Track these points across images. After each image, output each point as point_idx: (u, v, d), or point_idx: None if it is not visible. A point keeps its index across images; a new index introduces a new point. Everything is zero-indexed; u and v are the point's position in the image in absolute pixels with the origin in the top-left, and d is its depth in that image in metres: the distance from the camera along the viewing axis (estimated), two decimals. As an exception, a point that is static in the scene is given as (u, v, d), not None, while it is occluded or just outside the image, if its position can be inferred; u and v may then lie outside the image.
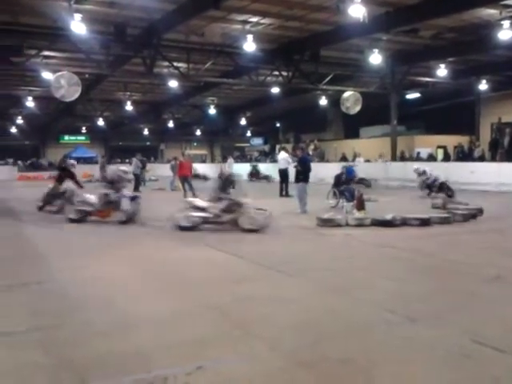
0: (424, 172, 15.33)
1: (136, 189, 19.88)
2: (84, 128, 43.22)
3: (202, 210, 9.19)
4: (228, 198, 9.26)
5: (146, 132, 45.45)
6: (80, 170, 32.30)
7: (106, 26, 15.45)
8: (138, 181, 20.46)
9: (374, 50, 18.42)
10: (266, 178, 25.68)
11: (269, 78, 22.14)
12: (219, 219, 9.10)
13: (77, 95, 17.79)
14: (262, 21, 15.65)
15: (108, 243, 8.16)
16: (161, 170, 31.00)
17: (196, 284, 5.42)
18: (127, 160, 35.85)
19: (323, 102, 28.61)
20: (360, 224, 9.26)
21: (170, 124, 40.00)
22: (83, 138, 45.53)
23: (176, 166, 17.72)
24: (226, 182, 9.68)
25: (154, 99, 32.67)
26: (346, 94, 22.31)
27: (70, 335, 3.91)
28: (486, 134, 25.62)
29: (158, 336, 3.87)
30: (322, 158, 27.87)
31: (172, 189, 19.60)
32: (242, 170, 22.51)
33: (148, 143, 47.72)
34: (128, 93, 29.10)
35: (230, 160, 21.12)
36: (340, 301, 4.75)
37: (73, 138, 45.32)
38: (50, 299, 4.90)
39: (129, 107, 31.17)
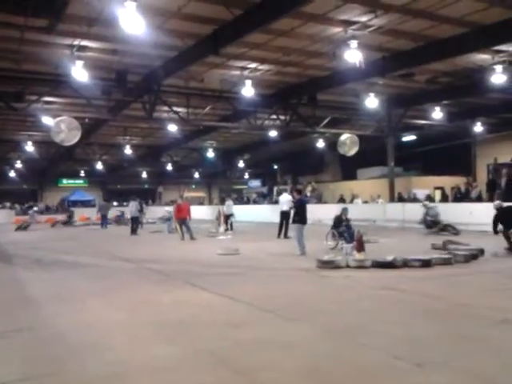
0: (431, 207, 15.92)
1: (134, 231, 19.81)
2: (82, 171, 43.43)
3: None
4: None
5: (144, 175, 45.69)
6: (77, 213, 32.64)
7: (108, 72, 15.78)
8: (137, 223, 20.40)
9: (370, 93, 18.84)
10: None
11: (267, 122, 22.46)
12: None
13: (76, 140, 17.96)
14: (260, 67, 16.02)
15: (101, 287, 8.03)
16: (159, 213, 30.95)
17: (193, 329, 5.28)
18: (125, 203, 35.99)
19: (320, 144, 28.98)
20: (360, 266, 9.15)
21: (169, 167, 40.31)
22: (81, 181, 45.70)
23: (174, 208, 17.69)
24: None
25: (153, 143, 33.01)
26: (343, 137, 22.59)
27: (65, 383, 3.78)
28: (482, 175, 25.84)
29: (157, 384, 3.74)
30: (320, 200, 27.93)
31: (169, 231, 19.51)
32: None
33: (146, 186, 47.89)
34: (127, 137, 29.40)
35: (229, 202, 21.12)
36: (344, 346, 4.62)
37: (71, 181, 45.49)
38: (44, 346, 4.77)
39: (128, 151, 31.41)
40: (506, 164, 23.39)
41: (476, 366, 3.92)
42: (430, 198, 23.97)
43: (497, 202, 12.25)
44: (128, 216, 22.31)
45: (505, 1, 10.92)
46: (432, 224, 15.75)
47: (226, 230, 19.54)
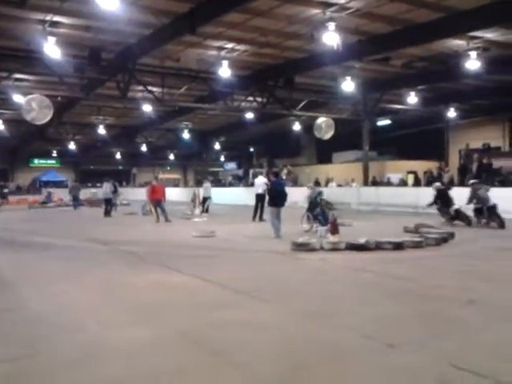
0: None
1: (108, 213, 19.59)
2: (55, 151, 42.56)
3: None
4: None
5: (118, 156, 45.05)
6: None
7: (81, 49, 15.37)
8: (110, 205, 20.16)
9: (346, 77, 18.87)
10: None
11: (243, 104, 22.32)
12: None
13: (48, 118, 17.54)
14: (237, 47, 15.84)
15: (75, 269, 7.94)
16: (132, 195, 30.68)
17: (167, 310, 5.27)
18: (98, 184, 35.51)
19: (297, 127, 29.00)
20: (334, 248, 9.25)
21: (143, 148, 39.79)
22: (54, 161, 44.83)
23: (148, 190, 17.51)
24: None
25: (127, 123, 32.48)
26: (320, 120, 22.64)
27: (38, 366, 3.73)
28: (454, 160, 26.31)
29: (131, 366, 3.72)
30: (296, 183, 28.05)
31: (143, 213, 19.35)
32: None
33: (120, 167, 47.28)
34: (101, 117, 28.87)
35: (207, 184, 21.05)
36: (317, 327, 4.68)
37: (43, 161, 44.55)
38: (17, 328, 4.69)
39: (101, 131, 30.90)
40: (478, 149, 23.89)
41: (446, 346, 4.02)
42: (403, 182, 24.42)
43: (436, 184, 14.84)
44: (101, 197, 22.02)
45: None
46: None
47: (203, 212, 19.47)
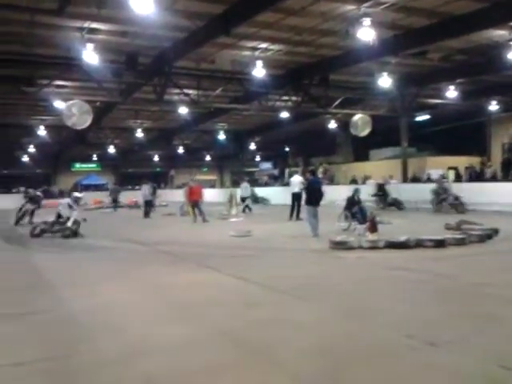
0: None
1: (147, 214, 19.94)
2: (95, 155, 43.69)
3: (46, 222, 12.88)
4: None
5: (156, 158, 45.83)
6: (90, 197, 33.01)
7: (118, 54, 15.73)
8: (150, 207, 20.50)
9: (383, 73, 18.55)
10: (263, 201, 26.68)
11: (278, 103, 22.30)
12: (52, 229, 12.82)
13: (88, 123, 18.03)
14: (272, 47, 15.83)
15: (115, 270, 8.10)
16: (171, 196, 31.10)
17: (207, 309, 5.31)
18: (137, 187, 36.20)
19: (332, 125, 28.72)
20: (373, 246, 9.10)
21: (180, 150, 40.36)
22: (94, 165, 46.01)
23: (186, 191, 17.74)
24: None
25: (164, 126, 32.99)
26: (356, 117, 22.36)
27: (78, 365, 3.81)
28: (497, 154, 25.50)
29: (171, 364, 3.76)
30: (332, 181, 27.81)
31: (181, 214, 19.60)
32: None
33: (158, 169, 48.09)
34: (138, 120, 29.43)
35: (245, 184, 21.27)
36: (357, 325, 4.62)
37: (84, 165, 45.84)
38: (60, 328, 4.81)
39: (139, 134, 31.52)
40: (522, 143, 23.08)
41: (491, 345, 3.89)
42: (443, 178, 23.81)
43: (375, 181, 18.57)
44: (141, 199, 22.41)
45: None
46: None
47: (244, 211, 19.75)
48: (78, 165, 45.73)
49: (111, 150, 37.26)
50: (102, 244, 11.41)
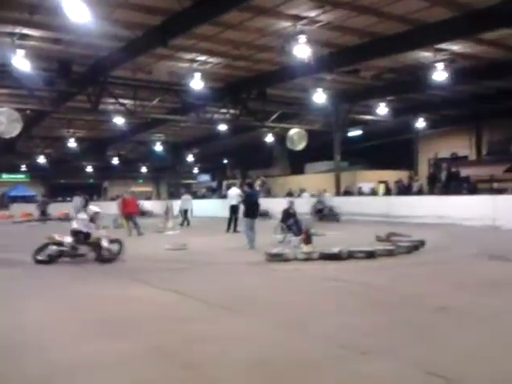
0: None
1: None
2: (24, 166, 41.70)
3: (59, 243, 9.72)
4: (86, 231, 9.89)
5: (89, 169, 44.41)
6: (18, 210, 31.50)
7: (51, 62, 15.18)
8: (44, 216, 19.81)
9: (318, 89, 19.13)
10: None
11: (216, 116, 22.36)
12: (76, 252, 9.80)
13: (17, 132, 17.23)
14: (210, 59, 15.90)
15: (44, 284, 7.75)
16: (104, 208, 30.19)
17: (140, 324, 5.19)
18: (68, 198, 34.85)
19: (269, 138, 29.15)
20: (308, 258, 9.30)
21: (115, 161, 39.33)
22: (23, 176, 43.89)
23: (120, 203, 17.27)
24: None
25: (98, 136, 32.09)
26: (292, 132, 22.84)
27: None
28: (423, 169, 26.87)
29: (102, 381, 3.65)
30: (269, 194, 28.14)
31: (115, 226, 19.05)
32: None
33: (91, 181, 46.63)
34: (71, 129, 28.46)
35: (187, 196, 21.15)
36: (291, 337, 4.68)
37: (12, 175, 43.60)
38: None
39: (72, 144, 30.43)
40: (446, 159, 24.49)
41: (418, 353, 4.07)
42: (374, 192, 24.77)
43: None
44: (72, 212, 21.62)
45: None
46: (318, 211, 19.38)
47: (183, 225, 19.61)
48: (4, 175, 43.41)
49: (41, 160, 35.71)
50: (28, 259, 10.84)
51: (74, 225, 10.26)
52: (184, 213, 20.32)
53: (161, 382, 3.62)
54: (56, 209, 29.08)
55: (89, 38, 13.06)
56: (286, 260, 9.22)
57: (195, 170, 47.50)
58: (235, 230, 15.52)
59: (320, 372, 3.77)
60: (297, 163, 34.47)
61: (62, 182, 44.92)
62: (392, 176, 26.81)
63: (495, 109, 22.71)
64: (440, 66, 15.71)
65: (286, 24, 12.76)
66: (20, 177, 43.92)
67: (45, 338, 4.77)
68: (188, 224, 19.96)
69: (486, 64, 16.28)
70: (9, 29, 12.69)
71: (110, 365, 3.97)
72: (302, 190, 25.87)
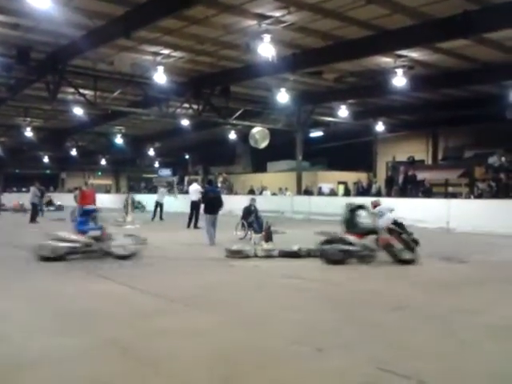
0: None
1: (33, 219, 18.73)
2: (-23, 154, 40.10)
3: (69, 240, 9.22)
4: (97, 228, 9.60)
5: (46, 159, 43.12)
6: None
7: (8, 48, 14.67)
8: (36, 210, 19.30)
9: (281, 89, 19.26)
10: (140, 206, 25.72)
11: (179, 110, 22.15)
12: (89, 248, 9.26)
13: (-30, 118, 16.58)
14: (173, 53, 15.73)
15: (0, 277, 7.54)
16: (61, 200, 29.50)
17: (97, 319, 5.14)
18: (24, 189, 33.77)
19: (232, 136, 29.17)
20: (268, 255, 9.42)
21: (73, 152, 38.37)
22: (-25, 164, 42.12)
23: (78, 195, 16.91)
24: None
25: (56, 126, 31.19)
26: (255, 130, 22.75)
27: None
28: (382, 172, 27.53)
29: (57, 376, 3.60)
30: (231, 191, 28.17)
31: (72, 220, 18.65)
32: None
33: (48, 171, 45.25)
34: (28, 118, 27.54)
35: (162, 189, 21.19)
36: (248, 334, 4.74)
37: (-37, 164, 41.75)
38: None
39: (28, 133, 29.50)
40: (403, 162, 25.17)
41: (373, 350, 4.21)
42: (333, 192, 25.13)
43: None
44: (28, 203, 21.03)
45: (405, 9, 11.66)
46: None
47: (153, 218, 19.83)
48: (-45, 163, 41.54)
49: (-4, 148, 34.49)
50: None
51: None
52: (160, 206, 20.32)
53: (116, 378, 3.59)
54: (11, 199, 28.22)
55: (49, 24, 12.68)
56: (246, 257, 9.30)
57: (156, 164, 46.89)
58: (196, 226, 15.48)
59: (278, 368, 3.84)
60: (259, 161, 34.66)
61: (17, 171, 43.43)
62: (351, 177, 27.39)
63: (451, 116, 23.55)
64: (399, 71, 16.10)
65: (251, 22, 12.78)
66: (-28, 165, 42.15)
67: (4, 330, 4.67)
68: (161, 218, 19.94)
69: (443, 72, 16.86)
70: (-36, 11, 12.18)
71: (64, 360, 3.92)
72: (264, 188, 26.07)
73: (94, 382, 3.51)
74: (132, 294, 6.44)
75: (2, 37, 13.94)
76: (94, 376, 3.61)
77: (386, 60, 15.73)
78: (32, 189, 19.71)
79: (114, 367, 3.80)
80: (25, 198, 27.51)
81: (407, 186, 20.94)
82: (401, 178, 21.68)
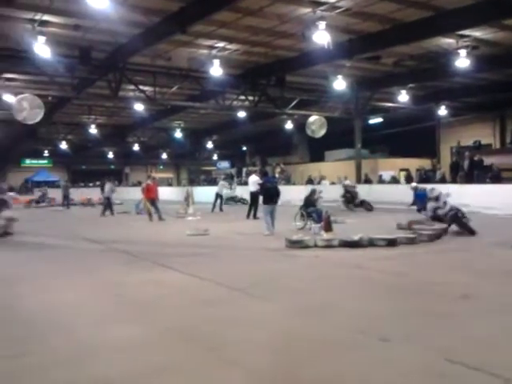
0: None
1: (105, 211, 19.51)
2: (46, 151, 42.33)
3: None
4: None
5: (110, 155, 44.87)
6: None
7: (71, 48, 15.33)
8: (110, 204, 20.07)
9: (338, 76, 18.91)
10: None
11: (235, 102, 22.33)
12: None
13: (39, 118, 17.45)
14: (229, 46, 15.83)
15: (68, 268, 7.92)
16: (125, 194, 30.60)
17: (161, 308, 5.28)
18: (91, 184, 35.32)
19: (289, 125, 29.03)
20: (328, 245, 9.29)
21: (135, 147, 39.69)
22: (45, 161, 44.50)
23: (143, 189, 17.56)
24: None
25: (118, 122, 32.38)
26: (312, 119, 22.68)
27: (31, 364, 3.71)
28: (446, 157, 26.51)
29: (123, 363, 3.72)
30: (288, 181, 28.12)
31: (137, 212, 19.33)
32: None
33: (112, 167, 47.09)
34: (92, 116, 28.75)
35: (223, 182, 21.51)
36: (311, 322, 4.70)
37: (35, 161, 44.23)
38: (8, 327, 4.68)
39: (93, 130, 30.80)
40: (469, 147, 24.07)
41: (439, 341, 4.06)
42: (394, 180, 24.50)
43: (345, 183, 19.24)
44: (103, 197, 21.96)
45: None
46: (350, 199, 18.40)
47: (213, 210, 20.01)
48: (28, 161, 44.07)
49: (63, 145, 36.23)
50: (56, 242, 11.09)
51: None
52: (220, 197, 20.60)
53: (181, 365, 3.67)
54: (79, 194, 29.63)
55: (107, 23, 13.11)
56: (306, 247, 9.23)
57: (215, 157, 47.60)
58: (255, 217, 15.58)
59: (342, 358, 3.78)
60: (316, 150, 34.36)
61: (83, 167, 45.49)
62: (413, 164, 26.57)
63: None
64: (462, 52, 15.37)
65: (305, 10, 12.62)
66: (43, 162, 44.53)
67: (69, 321, 4.88)
68: (221, 209, 20.23)
69: (510, 51, 15.91)
70: (30, 15, 12.80)
71: (130, 348, 4.05)
72: (322, 178, 25.81)
73: (160, 369, 3.60)
74: (193, 283, 6.57)
75: (65, 38, 14.56)
76: (159, 363, 3.70)
77: (447, 41, 15.07)
78: (108, 184, 20.67)
79: (178, 354, 3.88)
80: (92, 193, 29.01)
81: (473, 171, 20.01)
82: (466, 164, 20.72)
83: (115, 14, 11.96)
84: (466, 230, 10.53)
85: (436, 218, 11.26)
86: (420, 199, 13.53)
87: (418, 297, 5.61)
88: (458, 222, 10.75)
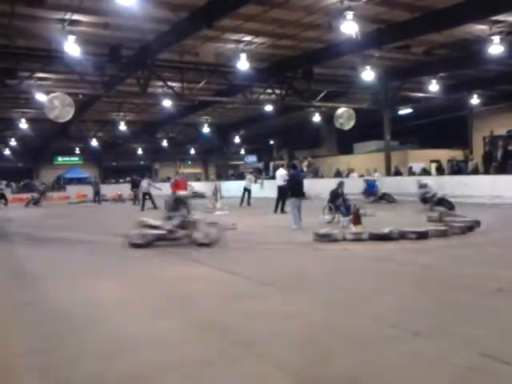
0: (425, 185, 15.17)
1: (143, 207, 19.86)
2: (77, 149, 43.20)
3: (155, 227, 9.59)
4: (181, 215, 9.63)
5: (139, 151, 45.47)
6: (73, 191, 33.00)
7: (100, 47, 15.55)
8: (152, 199, 20.36)
9: (366, 66, 18.62)
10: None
11: (262, 96, 22.27)
12: (173, 235, 9.41)
13: (70, 116, 17.82)
14: (255, 40, 15.78)
15: (103, 263, 8.08)
16: (155, 190, 30.92)
17: (193, 303, 5.33)
18: (121, 180, 35.85)
19: (316, 118, 28.76)
20: (357, 238, 9.20)
21: (164, 143, 40.10)
22: (77, 158, 45.41)
23: (172, 184, 17.75)
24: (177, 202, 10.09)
25: (147, 119, 32.75)
26: (340, 111, 22.45)
27: (66, 358, 3.80)
28: (478, 148, 25.82)
29: (157, 357, 3.78)
30: (316, 174, 27.94)
31: (166, 207, 19.51)
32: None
33: (142, 163, 47.72)
34: (122, 113, 29.16)
35: (250, 176, 21.70)
36: (341, 316, 4.68)
37: (66, 158, 45.19)
38: (45, 321, 4.79)
39: (122, 127, 31.24)
40: (503, 136, 23.40)
41: (473, 334, 3.98)
42: (425, 171, 24.04)
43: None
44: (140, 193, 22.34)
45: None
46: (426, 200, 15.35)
47: (241, 204, 20.14)
48: (60, 158, 45.04)
49: (94, 143, 36.89)
50: (91, 238, 11.25)
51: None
52: (248, 192, 20.62)
53: (213, 359, 3.70)
54: (110, 190, 30.14)
55: (135, 21, 13.21)
56: (335, 240, 9.16)
57: (242, 152, 47.67)
58: (283, 211, 15.54)
59: (373, 351, 3.75)
60: (345, 143, 34.02)
61: (113, 164, 46.24)
62: (444, 155, 26.00)
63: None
64: (496, 39, 14.88)
65: (332, 0, 12.45)
66: (74, 159, 45.44)
67: (104, 315, 4.98)
68: (249, 203, 20.29)
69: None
70: (60, 15, 13.02)
71: (166, 342, 4.11)
72: (351, 170, 25.55)
73: (193, 362, 3.64)
74: (225, 278, 6.61)
75: (94, 37, 14.77)
76: (192, 357, 3.75)
77: (480, 27, 14.63)
78: (145, 180, 21.31)
79: (211, 348, 3.92)
80: (123, 189, 29.51)
81: (507, 161, 19.46)
82: (500, 154, 20.17)
83: (142, 11, 12.05)
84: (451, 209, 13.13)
85: (424, 200, 14.67)
86: (370, 187, 19.17)
87: (451, 290, 5.50)
88: (444, 202, 13.81)
